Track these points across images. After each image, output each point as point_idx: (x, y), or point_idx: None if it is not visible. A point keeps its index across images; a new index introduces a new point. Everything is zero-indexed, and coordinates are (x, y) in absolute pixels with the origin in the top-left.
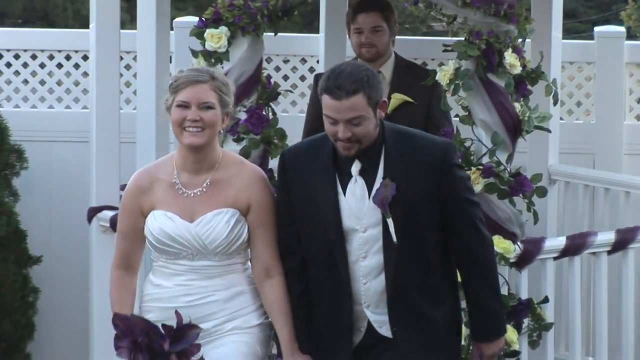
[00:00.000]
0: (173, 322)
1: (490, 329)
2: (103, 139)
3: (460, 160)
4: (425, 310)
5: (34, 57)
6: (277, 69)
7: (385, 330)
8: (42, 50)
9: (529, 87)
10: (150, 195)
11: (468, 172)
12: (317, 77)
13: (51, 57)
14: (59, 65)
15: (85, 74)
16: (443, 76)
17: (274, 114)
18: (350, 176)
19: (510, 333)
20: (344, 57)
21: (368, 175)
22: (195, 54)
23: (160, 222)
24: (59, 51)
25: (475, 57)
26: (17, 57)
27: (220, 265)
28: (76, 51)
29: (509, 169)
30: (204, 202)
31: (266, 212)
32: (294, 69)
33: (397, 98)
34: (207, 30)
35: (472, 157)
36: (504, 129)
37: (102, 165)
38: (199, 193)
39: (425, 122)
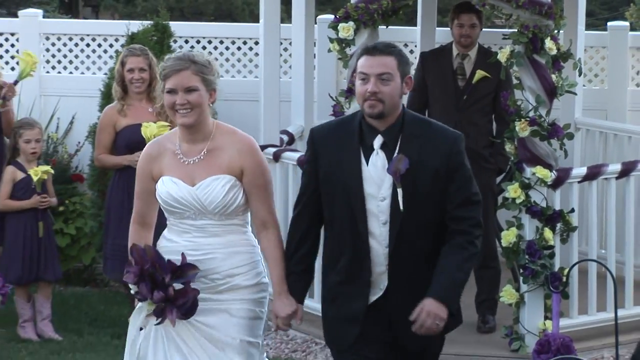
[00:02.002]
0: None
1: (443, 290)
2: (268, 99)
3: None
4: (420, 273)
5: (221, 42)
6: None
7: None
8: (227, 38)
9: (561, 63)
10: (158, 162)
11: (518, 123)
12: (422, 55)
13: (233, 42)
14: (239, 48)
15: (256, 54)
16: (502, 56)
17: None
18: (373, 149)
19: (547, 233)
20: (434, 43)
21: (388, 150)
22: (331, 40)
23: (167, 187)
24: (239, 38)
25: (525, 43)
26: (209, 42)
27: (220, 224)
28: (250, 38)
29: (547, 120)
30: (202, 168)
31: (258, 174)
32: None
33: (480, 73)
34: (340, 24)
35: (521, 112)
36: (544, 92)
37: (267, 117)
38: (197, 160)
39: (495, 89)
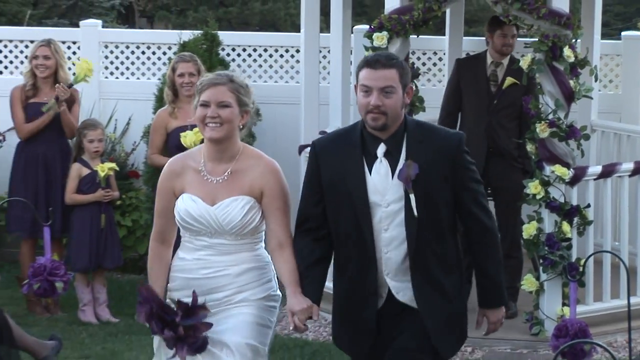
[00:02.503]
0: (189, 299)
1: (495, 297)
2: (308, 102)
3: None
4: (439, 278)
5: (265, 50)
6: (418, 58)
7: (402, 296)
8: (271, 46)
9: (579, 70)
10: (181, 179)
11: (539, 125)
12: (458, 61)
13: (276, 50)
14: (281, 55)
15: (297, 61)
16: (524, 63)
17: (416, 87)
18: (376, 157)
19: (565, 226)
20: (461, 52)
21: (391, 157)
22: (366, 48)
23: (186, 204)
24: (282, 46)
25: (545, 51)
26: (254, 50)
27: (233, 244)
28: (292, 46)
29: (565, 122)
30: (225, 188)
31: (277, 197)
32: (429, 58)
33: (509, 80)
34: (374, 34)
35: (542, 115)
36: (563, 97)
37: (308, 119)
38: (220, 180)
39: (523, 95)
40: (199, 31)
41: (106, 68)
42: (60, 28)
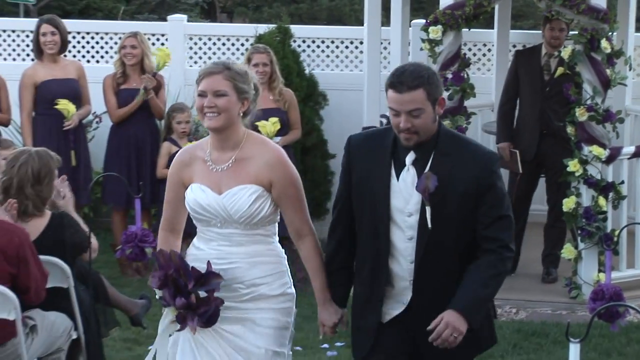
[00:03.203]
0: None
1: (466, 305)
2: (371, 89)
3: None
4: (444, 294)
5: (332, 42)
6: (469, 49)
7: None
8: (337, 38)
9: (614, 60)
10: (189, 169)
11: (578, 109)
12: (517, 52)
13: (342, 42)
14: (346, 47)
15: (361, 52)
16: (565, 53)
17: (467, 75)
18: (404, 165)
19: (601, 200)
20: (508, 44)
21: (419, 167)
22: (423, 41)
23: (195, 194)
24: (347, 38)
25: (584, 43)
26: (322, 42)
27: (245, 234)
28: (356, 39)
29: (602, 107)
30: (230, 176)
31: (288, 185)
32: (479, 49)
33: (561, 69)
34: (430, 27)
35: (581, 100)
36: (600, 84)
37: (370, 103)
38: (225, 168)
39: (570, 81)
40: (273, 25)
41: (190, 58)
42: (150, 22)
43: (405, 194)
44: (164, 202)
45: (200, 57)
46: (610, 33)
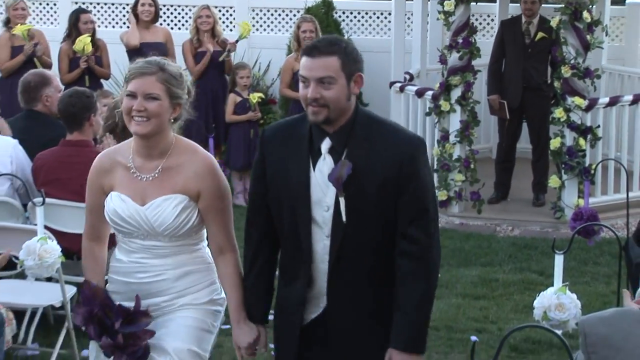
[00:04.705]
0: (131, 304)
1: (409, 339)
2: (397, 51)
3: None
4: (363, 296)
5: (367, 13)
6: (476, 19)
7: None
8: (371, 10)
9: (594, 28)
10: (109, 176)
11: (563, 67)
12: (502, 22)
13: (374, 13)
14: (377, 17)
15: (389, 21)
16: (554, 22)
17: (474, 40)
18: (321, 153)
19: (581, 141)
20: (507, 15)
21: (337, 155)
22: (439, 12)
23: (115, 204)
24: (378, 10)
25: (569, 14)
26: (358, 12)
27: (170, 246)
28: (386, 10)
29: (583, 66)
30: (156, 186)
31: (216, 198)
32: (484, 19)
33: (540, 34)
34: (445, 1)
35: (565, 60)
36: (581, 47)
37: (396, 63)
38: (151, 178)
39: (550, 45)
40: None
41: (254, 26)
42: None
43: (323, 185)
44: (86, 209)
45: (261, 25)
46: (590, 6)
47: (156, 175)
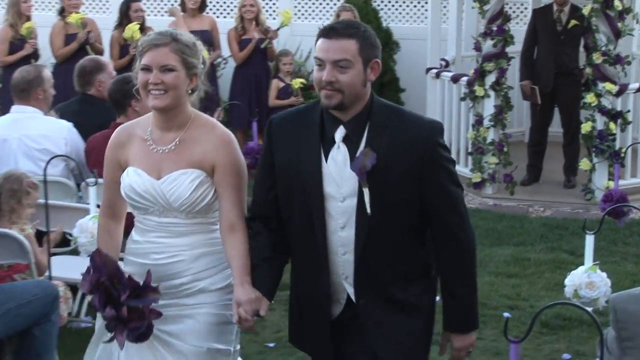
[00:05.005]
0: (142, 279)
1: (462, 321)
2: (433, 38)
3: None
4: (392, 288)
5: (404, 1)
6: (510, 7)
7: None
8: None
9: (624, 15)
10: (126, 150)
11: (595, 54)
12: (534, 10)
13: (411, 1)
14: (414, 6)
15: (426, 10)
16: (586, 10)
17: (508, 28)
18: (334, 142)
19: (611, 125)
20: (539, 3)
21: (351, 144)
22: (474, 0)
23: (131, 179)
24: None
25: (600, 2)
26: (397, 1)
27: (186, 223)
28: None
29: (614, 52)
30: (172, 159)
31: (231, 173)
32: (517, 7)
33: (573, 21)
34: None
35: (597, 47)
36: (612, 34)
37: (432, 50)
38: (167, 150)
39: (581, 32)
40: None
41: (295, 14)
42: None
43: (337, 176)
44: (103, 184)
45: (303, 14)
46: None
47: (173, 147)
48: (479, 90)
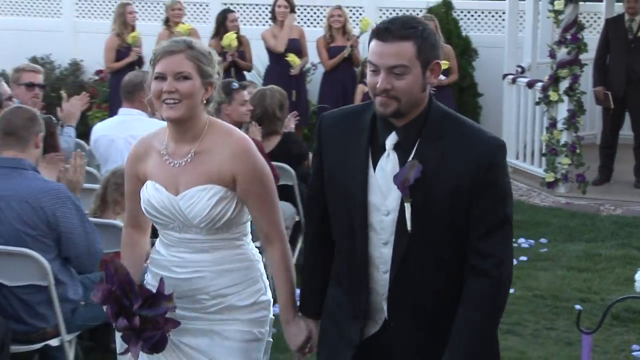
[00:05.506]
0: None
1: None
2: (510, 46)
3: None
4: (431, 311)
5: (482, 12)
6: (584, 17)
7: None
8: (486, 9)
9: None
10: (144, 163)
11: None
12: (607, 20)
13: (489, 12)
14: (493, 16)
15: (503, 19)
16: None
17: (582, 36)
18: (384, 150)
19: None
20: (612, 13)
21: (403, 152)
22: (550, 11)
23: (149, 193)
24: (493, 9)
25: None
26: (475, 12)
27: (208, 239)
28: (500, 9)
29: None
30: (189, 173)
31: (254, 182)
32: (591, 17)
33: None
34: (555, 1)
35: None
36: None
37: (509, 57)
38: (183, 163)
39: None
40: (440, 0)
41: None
42: None
43: (384, 186)
44: (125, 196)
45: None
46: None
47: (189, 160)
48: (553, 95)
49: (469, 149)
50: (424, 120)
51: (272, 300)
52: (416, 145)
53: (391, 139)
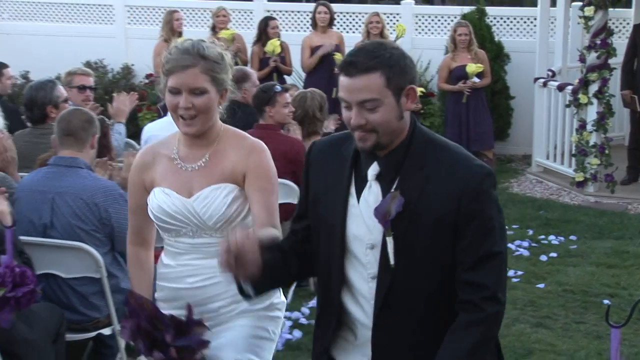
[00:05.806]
0: (182, 312)
1: None
2: (541, 51)
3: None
4: (414, 354)
5: (514, 18)
6: (613, 23)
7: None
8: (518, 15)
9: None
10: (151, 170)
11: None
12: (635, 26)
13: (521, 18)
14: (525, 22)
15: (534, 25)
16: None
17: (611, 41)
18: (367, 180)
19: None
20: None
21: (386, 183)
22: (580, 17)
23: (159, 200)
24: (525, 15)
25: None
26: (507, 17)
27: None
28: (532, 16)
29: None
30: (203, 176)
31: (261, 177)
32: (620, 23)
33: None
34: (585, 7)
35: None
36: None
37: (540, 62)
38: (197, 167)
39: None
40: (474, 6)
41: (416, 29)
42: (388, 5)
43: (368, 219)
44: (129, 211)
45: (423, 29)
46: None
47: (203, 164)
48: (582, 98)
49: (453, 177)
50: (405, 148)
51: (285, 301)
52: (399, 175)
53: (373, 169)
